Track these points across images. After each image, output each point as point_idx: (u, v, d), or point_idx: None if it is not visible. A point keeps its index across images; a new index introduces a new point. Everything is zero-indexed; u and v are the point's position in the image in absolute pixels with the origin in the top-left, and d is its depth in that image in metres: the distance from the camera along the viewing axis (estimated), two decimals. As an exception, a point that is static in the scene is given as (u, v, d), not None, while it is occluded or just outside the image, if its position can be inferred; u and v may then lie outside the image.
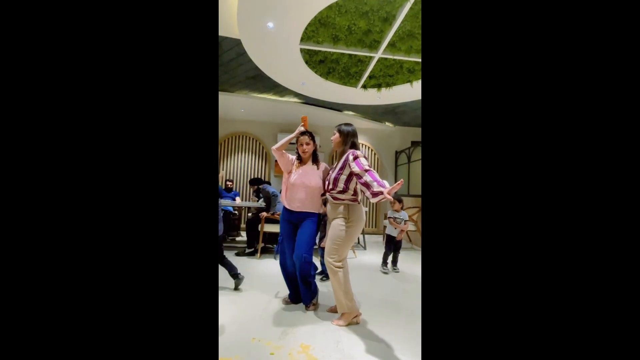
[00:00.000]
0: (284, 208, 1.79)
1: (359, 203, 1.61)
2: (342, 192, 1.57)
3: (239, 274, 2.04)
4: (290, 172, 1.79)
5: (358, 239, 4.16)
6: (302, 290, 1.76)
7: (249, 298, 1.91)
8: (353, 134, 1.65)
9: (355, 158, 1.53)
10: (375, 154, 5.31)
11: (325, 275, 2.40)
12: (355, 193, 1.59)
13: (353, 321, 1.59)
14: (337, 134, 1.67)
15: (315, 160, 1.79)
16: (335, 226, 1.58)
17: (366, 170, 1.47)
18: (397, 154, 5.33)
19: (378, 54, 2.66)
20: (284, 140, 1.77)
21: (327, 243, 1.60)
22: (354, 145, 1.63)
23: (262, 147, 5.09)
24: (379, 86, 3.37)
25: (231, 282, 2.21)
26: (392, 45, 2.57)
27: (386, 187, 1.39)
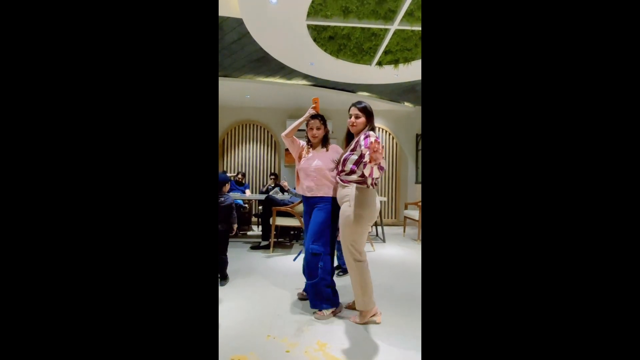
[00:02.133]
0: (303, 197, 1.83)
1: (368, 187, 1.54)
2: (350, 173, 1.55)
3: (227, 275, 2.22)
4: (300, 158, 1.82)
5: (376, 231, 4.15)
6: (308, 288, 1.69)
7: (263, 294, 1.97)
8: (373, 114, 1.62)
9: (366, 137, 1.51)
10: (393, 138, 5.20)
11: (342, 270, 2.42)
12: (363, 175, 1.54)
13: (371, 320, 1.59)
14: (364, 117, 1.58)
15: (325, 144, 1.79)
16: (343, 213, 1.56)
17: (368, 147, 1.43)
18: (418, 137, 5.19)
19: (394, 26, 2.56)
20: (293, 125, 1.77)
21: (340, 233, 1.60)
22: (373, 128, 1.61)
23: (271, 136, 5.11)
24: (396, 62, 3.25)
25: (243, 278, 2.29)
26: (409, 15, 2.45)
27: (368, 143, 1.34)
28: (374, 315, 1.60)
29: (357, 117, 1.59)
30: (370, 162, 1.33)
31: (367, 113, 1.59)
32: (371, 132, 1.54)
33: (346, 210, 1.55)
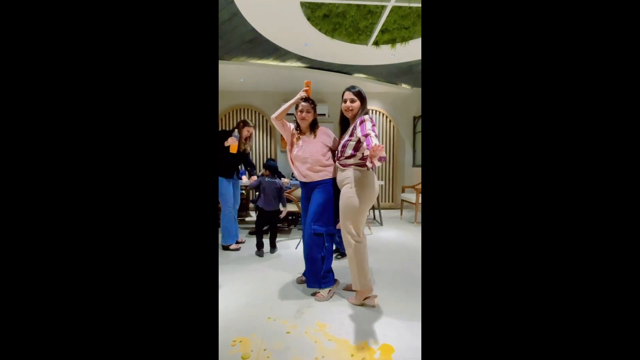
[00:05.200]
0: (300, 182, 1.84)
1: (368, 169, 1.58)
2: (350, 157, 1.58)
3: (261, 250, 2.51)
4: (292, 145, 1.81)
5: (374, 214, 4.19)
6: (306, 269, 1.74)
7: (262, 278, 2.01)
8: (366, 99, 1.66)
9: (362, 122, 1.52)
10: (390, 120, 5.14)
11: (340, 253, 2.46)
12: (363, 157, 1.57)
13: (366, 302, 1.63)
14: (359, 101, 1.62)
15: (313, 129, 1.78)
16: (343, 194, 1.59)
17: (365, 136, 1.45)
18: (415, 120, 5.14)
19: (391, 2, 2.46)
20: (283, 107, 1.74)
21: (340, 214, 1.62)
22: (367, 112, 1.63)
23: (266, 120, 5.03)
24: (393, 41, 3.16)
25: (242, 263, 2.32)
26: (407, -10, 2.35)
27: (371, 144, 1.34)
28: (369, 297, 1.63)
29: (352, 101, 1.62)
30: (371, 160, 1.35)
31: (361, 97, 1.62)
32: (366, 117, 1.55)
33: (347, 192, 1.57)
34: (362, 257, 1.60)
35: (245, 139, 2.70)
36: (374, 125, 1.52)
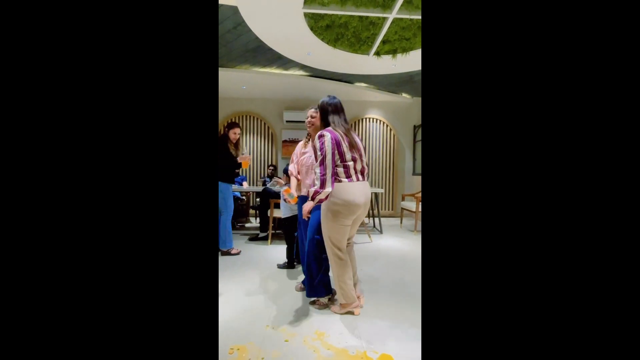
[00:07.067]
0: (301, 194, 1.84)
1: (340, 181, 1.50)
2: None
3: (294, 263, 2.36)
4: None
5: (373, 222, 4.17)
6: (305, 278, 1.70)
7: (261, 285, 1.99)
8: (329, 109, 1.57)
9: (319, 137, 1.51)
10: (391, 129, 5.17)
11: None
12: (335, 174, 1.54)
13: (350, 311, 1.59)
14: (318, 112, 1.64)
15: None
16: (322, 207, 1.56)
17: (320, 161, 1.47)
18: (416, 128, 5.18)
19: (392, 14, 2.51)
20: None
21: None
22: (328, 124, 1.57)
23: (268, 127, 5.06)
24: (394, 52, 3.21)
25: (242, 270, 2.30)
26: (408, 3, 2.40)
27: (322, 190, 1.45)
28: (353, 309, 1.60)
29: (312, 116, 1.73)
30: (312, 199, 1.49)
31: (319, 108, 1.63)
32: (318, 137, 1.53)
33: (324, 204, 1.53)
34: (343, 270, 1.56)
35: (235, 143, 2.63)
36: (331, 136, 1.49)
